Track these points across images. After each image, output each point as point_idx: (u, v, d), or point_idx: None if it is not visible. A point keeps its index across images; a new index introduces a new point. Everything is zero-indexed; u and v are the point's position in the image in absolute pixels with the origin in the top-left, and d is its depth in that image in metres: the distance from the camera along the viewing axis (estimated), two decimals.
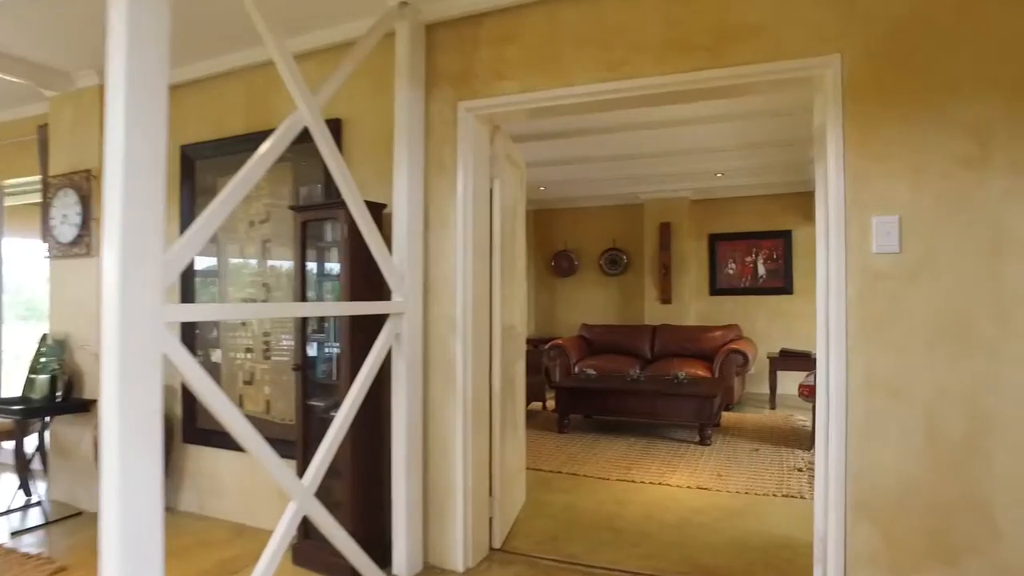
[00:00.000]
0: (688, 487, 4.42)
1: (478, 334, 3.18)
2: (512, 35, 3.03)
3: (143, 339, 1.76)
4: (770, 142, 5.89)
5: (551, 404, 6.97)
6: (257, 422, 3.68)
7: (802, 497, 4.18)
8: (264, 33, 2.37)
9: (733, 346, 7.25)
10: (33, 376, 3.96)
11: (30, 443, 4.08)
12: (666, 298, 8.70)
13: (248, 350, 3.71)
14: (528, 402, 6.82)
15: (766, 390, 7.74)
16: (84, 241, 3.96)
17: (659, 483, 4.51)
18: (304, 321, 3.19)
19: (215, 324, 3.79)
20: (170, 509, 3.91)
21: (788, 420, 6.62)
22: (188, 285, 3.89)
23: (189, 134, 3.91)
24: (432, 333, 3.14)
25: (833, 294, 2.49)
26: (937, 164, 2.34)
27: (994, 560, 2.23)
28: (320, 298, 3.29)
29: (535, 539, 3.52)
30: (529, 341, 9.22)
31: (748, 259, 8.68)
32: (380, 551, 2.99)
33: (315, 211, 3.16)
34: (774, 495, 4.24)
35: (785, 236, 8.50)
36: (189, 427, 3.88)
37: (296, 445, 3.16)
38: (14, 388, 4.27)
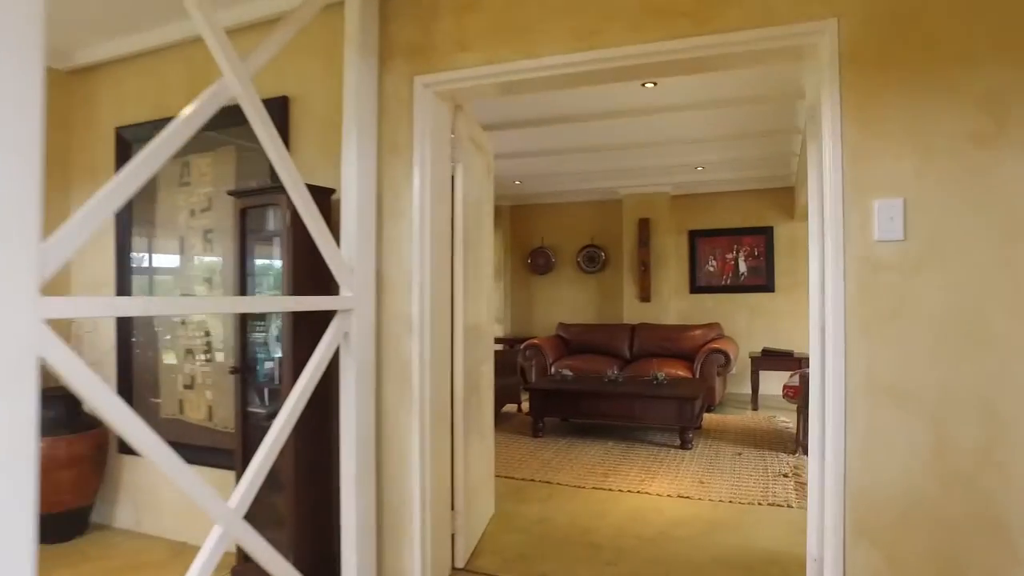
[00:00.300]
0: (668, 495, 4.16)
1: (437, 334, 2.89)
2: (475, 2, 2.74)
3: (9, 339, 1.44)
4: (751, 133, 5.64)
5: (527, 406, 6.68)
6: (198, 430, 3.38)
7: (788, 506, 3.93)
8: None
9: (714, 345, 7.02)
10: None
11: None
12: (645, 296, 8.46)
13: (189, 351, 3.38)
14: (502, 405, 6.55)
15: (748, 390, 7.52)
16: None
17: (638, 491, 4.24)
18: (244, 319, 2.88)
19: (151, 322, 3.46)
20: (104, 527, 3.57)
21: (771, 422, 6.39)
22: (132, 283, 3.56)
23: (126, 115, 3.58)
24: (386, 332, 2.84)
25: (830, 288, 2.22)
26: (946, 141, 2.08)
27: None
28: (262, 293, 2.98)
29: (503, 557, 3.23)
30: (505, 341, 8.97)
31: (729, 256, 8.46)
32: (329, 574, 2.69)
33: (255, 196, 2.84)
34: (759, 503, 3.99)
35: (766, 232, 8.30)
36: None
37: (235, 457, 2.85)
38: None
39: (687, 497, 4.12)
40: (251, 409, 2.84)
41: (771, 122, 5.31)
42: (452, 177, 3.12)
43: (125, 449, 3.55)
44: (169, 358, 3.43)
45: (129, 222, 3.51)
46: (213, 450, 3.23)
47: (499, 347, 8.80)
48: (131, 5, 3.12)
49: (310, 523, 2.76)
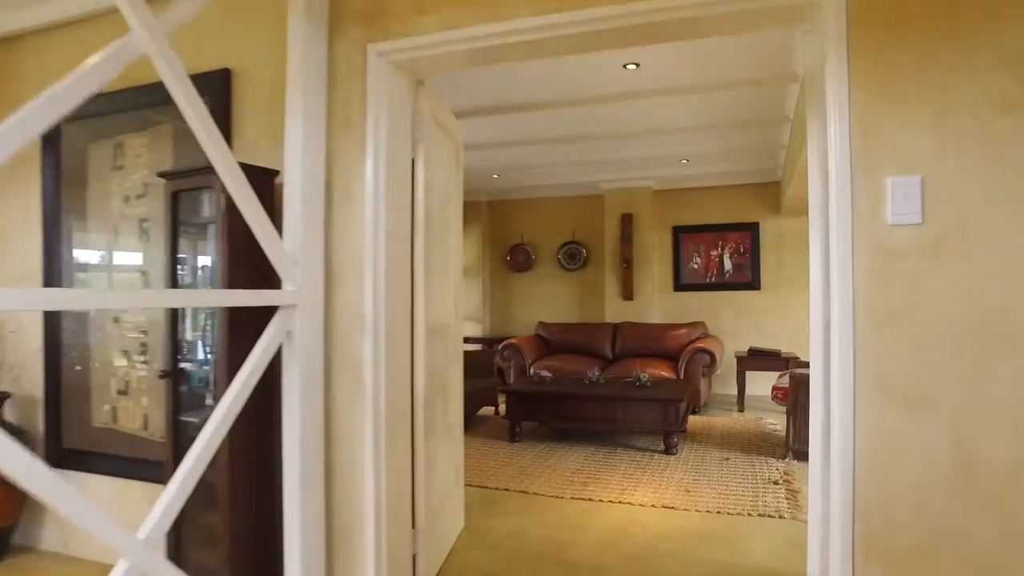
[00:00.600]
0: (652, 506, 3.87)
1: (395, 332, 2.58)
2: None
3: None
4: (738, 121, 5.38)
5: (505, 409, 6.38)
6: (132, 440, 3.05)
7: (781, 516, 3.66)
8: None
9: (699, 345, 6.76)
10: None
11: None
12: (628, 294, 8.19)
13: (124, 352, 3.05)
14: (478, 408, 6.26)
15: (734, 391, 7.28)
16: None
17: (620, 501, 3.96)
18: (174, 317, 2.55)
19: (83, 320, 3.13)
20: (29, 549, 3.23)
21: (759, 424, 6.13)
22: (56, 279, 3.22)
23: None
24: (336, 331, 2.53)
25: (836, 279, 1.94)
26: (970, 110, 1.81)
27: None
28: (197, 287, 2.66)
29: None
30: (483, 341, 8.67)
31: (714, 253, 8.22)
32: None
33: (188, 177, 2.51)
34: (749, 514, 3.72)
35: (752, 229, 8.06)
36: (53, 447, 3.18)
37: (165, 471, 2.52)
38: None
39: (672, 508, 3.84)
40: (184, 418, 2.52)
41: (759, 109, 5.05)
42: (413, 160, 2.82)
43: (54, 461, 3.20)
44: (102, 361, 3.09)
45: (57, 211, 3.16)
46: (147, 463, 2.90)
47: (477, 347, 8.52)
48: None
49: (249, 545, 2.44)
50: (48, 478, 1.48)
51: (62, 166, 3.19)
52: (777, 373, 6.76)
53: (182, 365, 2.57)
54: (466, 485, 4.21)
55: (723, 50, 3.84)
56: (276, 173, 2.53)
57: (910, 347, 1.83)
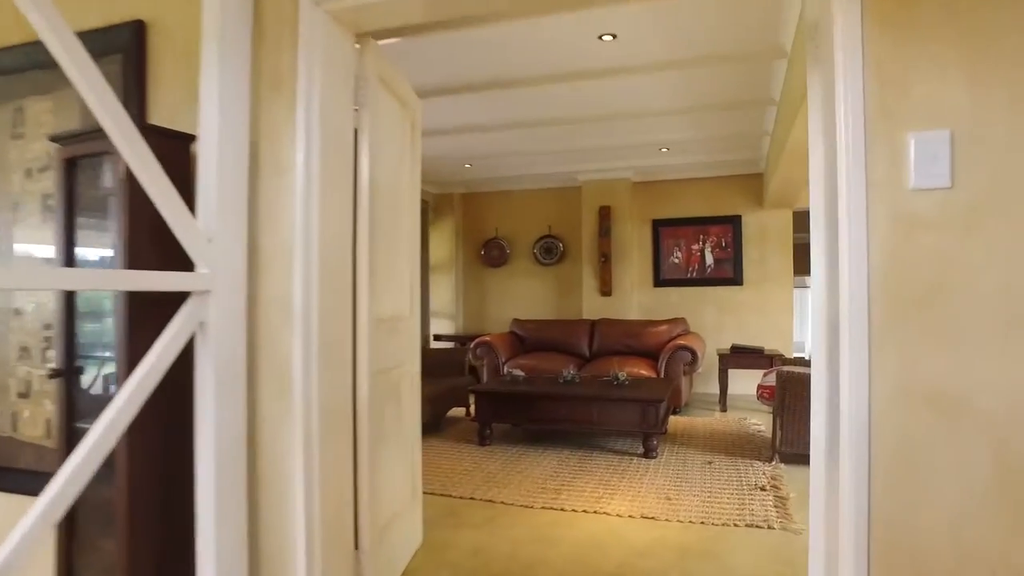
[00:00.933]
0: (630, 516, 3.55)
1: (331, 326, 2.22)
2: None
3: None
4: (720, 104, 5.07)
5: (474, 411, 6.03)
6: (35, 451, 2.66)
7: (769, 527, 3.35)
8: None
9: (680, 342, 6.45)
10: None
11: None
12: (606, 290, 7.88)
13: (24, 350, 2.66)
14: (447, 409, 5.91)
15: (716, 390, 6.98)
16: None
17: (595, 511, 3.63)
18: (69, 307, 2.17)
19: None
20: None
21: (742, 425, 5.84)
22: None
23: None
24: (262, 323, 2.17)
25: (847, 259, 1.62)
26: (1013, 49, 1.49)
27: None
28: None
29: None
30: (457, 338, 8.33)
31: (695, 247, 7.93)
32: None
33: (87, 142, 2.13)
34: (735, 524, 3.40)
35: (734, 222, 7.79)
36: None
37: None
38: None
39: (652, 518, 3.51)
40: (80, 424, 2.14)
41: (742, 90, 4.74)
42: (356, 131, 2.47)
43: None
44: (0, 359, 2.70)
45: None
46: (49, 476, 2.51)
47: (450, 345, 8.17)
48: None
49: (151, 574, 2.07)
50: None
51: None
52: (761, 371, 6.48)
53: (81, 363, 2.19)
54: (428, 494, 3.87)
55: (705, 18, 3.52)
56: (192, 138, 2.16)
57: (939, 339, 1.51)
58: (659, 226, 8.03)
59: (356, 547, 2.41)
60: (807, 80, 2.00)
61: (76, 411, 2.16)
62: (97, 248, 2.30)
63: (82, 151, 2.14)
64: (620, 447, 5.05)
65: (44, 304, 2.59)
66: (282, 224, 2.16)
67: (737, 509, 3.62)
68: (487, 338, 7.10)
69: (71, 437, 2.13)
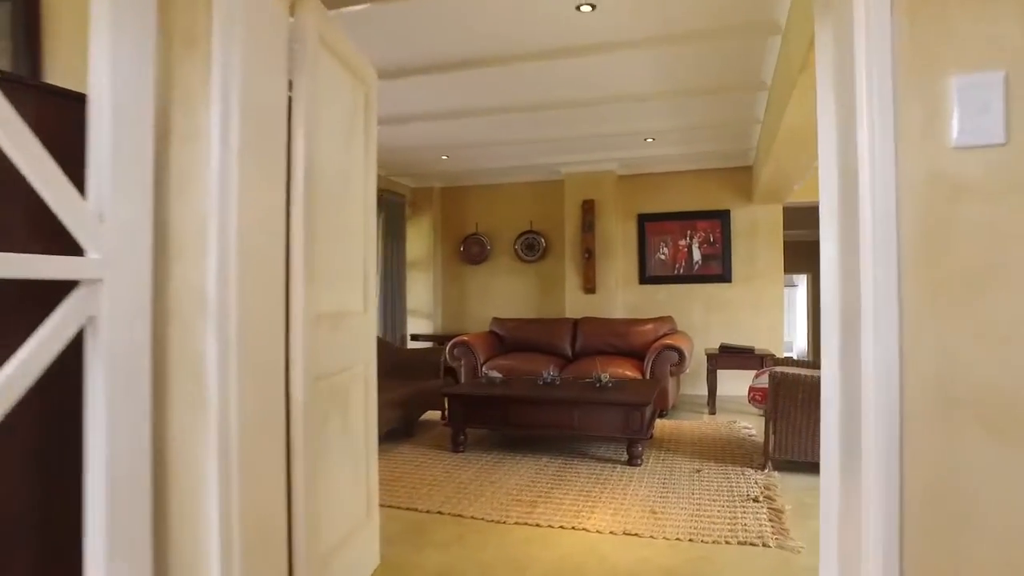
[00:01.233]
0: (612, 533, 3.23)
1: (255, 321, 1.88)
2: None
3: None
4: (708, 88, 4.76)
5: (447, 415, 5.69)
6: None
7: (764, 544, 3.04)
8: None
9: (667, 341, 6.15)
10: None
11: None
12: (590, 287, 7.57)
13: None
14: (421, 412, 5.58)
15: (704, 392, 6.69)
16: None
17: (573, 527, 3.30)
18: None
19: None
20: None
21: (732, 429, 5.53)
22: None
23: None
24: (174, 318, 1.82)
25: (869, 235, 1.31)
26: None
27: None
28: None
29: None
30: (435, 338, 8.00)
31: (682, 243, 7.63)
32: None
33: None
34: (727, 541, 3.09)
35: (722, 216, 7.50)
36: None
37: None
38: None
39: (636, 535, 3.19)
40: None
41: (732, 71, 4.44)
42: (292, 99, 2.13)
43: None
44: None
45: None
46: None
47: (428, 345, 7.84)
48: None
49: None
50: None
51: None
52: (750, 372, 6.19)
53: None
54: (391, 508, 3.54)
55: None
56: (83, 98, 1.81)
57: (991, 335, 1.20)
58: (645, 221, 7.73)
59: (290, 574, 2.07)
60: (814, 31, 1.68)
61: None
62: None
63: None
64: (603, 453, 4.73)
65: None
66: (196, 202, 1.82)
67: (729, 524, 3.31)
68: (465, 338, 6.77)
69: None
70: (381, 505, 3.60)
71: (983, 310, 1.20)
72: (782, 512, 3.45)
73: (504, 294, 8.29)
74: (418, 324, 8.41)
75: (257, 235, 1.90)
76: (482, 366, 6.51)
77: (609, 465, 4.43)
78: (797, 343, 15.44)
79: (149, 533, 1.75)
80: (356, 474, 2.65)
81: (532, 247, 8.13)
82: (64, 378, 1.61)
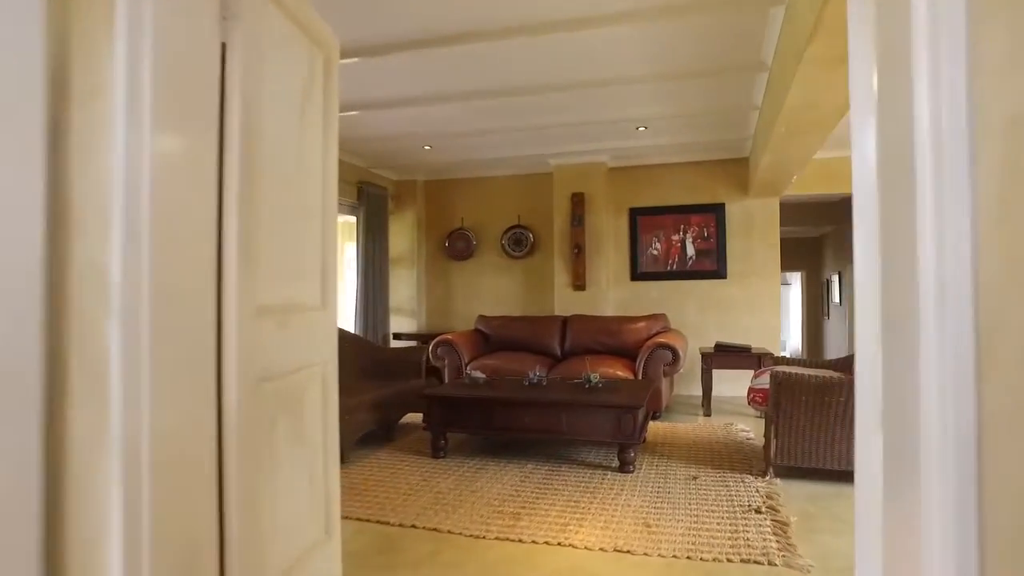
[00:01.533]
0: (602, 549, 2.93)
1: (178, 312, 1.57)
2: None
3: None
4: (704, 71, 4.47)
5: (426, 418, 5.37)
6: None
7: (770, 563, 2.76)
8: None
9: (660, 340, 5.85)
10: None
11: None
12: (580, 284, 7.27)
13: None
14: (401, 415, 5.27)
15: (698, 392, 6.42)
16: None
17: (559, 543, 3.00)
18: None
19: None
20: None
21: (729, 432, 5.25)
22: None
23: None
24: (73, 306, 1.50)
25: (930, 193, 1.01)
26: None
27: None
28: None
29: None
30: (419, 337, 7.69)
31: (675, 238, 7.35)
32: None
33: None
34: (729, 559, 2.80)
35: (717, 210, 7.22)
36: None
37: None
38: None
39: (629, 552, 2.90)
40: None
41: (730, 50, 4.14)
42: (224, 55, 1.82)
43: None
44: None
45: None
46: None
47: (412, 344, 7.53)
48: None
49: None
50: None
51: None
52: (747, 372, 5.93)
53: None
54: (362, 520, 3.24)
55: None
56: None
57: None
58: (637, 215, 7.45)
59: None
60: None
61: None
62: None
63: None
64: (592, 459, 4.44)
65: None
66: (102, 170, 1.51)
67: (729, 538, 3.02)
68: (449, 336, 6.46)
69: None
70: (349, 518, 3.30)
71: None
72: (787, 524, 3.16)
73: (491, 291, 7.98)
74: (401, 322, 8.10)
75: (178, 211, 1.58)
76: (466, 366, 6.21)
77: (599, 472, 4.14)
78: (791, 342, 15.23)
79: (37, 564, 1.44)
80: (313, 487, 2.34)
81: (520, 242, 7.82)
82: None
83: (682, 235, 7.32)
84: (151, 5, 1.51)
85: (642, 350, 5.84)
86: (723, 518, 3.29)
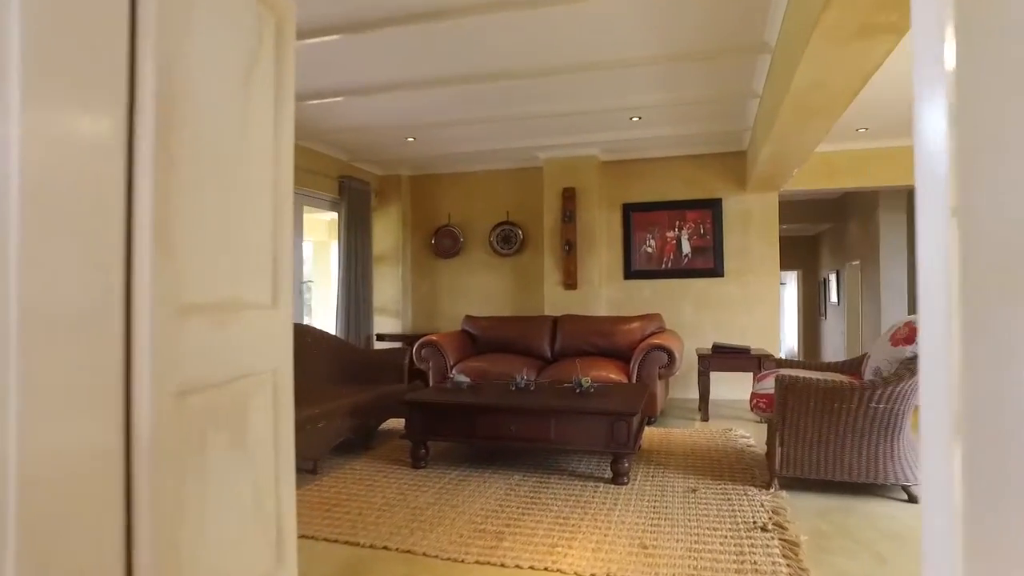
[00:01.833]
0: (594, 575, 2.63)
1: (65, 307, 1.27)
2: None
3: None
4: (698, 52, 4.18)
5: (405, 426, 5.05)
6: None
7: None
8: None
9: (655, 341, 5.56)
10: None
11: None
12: (571, 283, 6.98)
13: None
14: (381, 421, 4.96)
15: (694, 395, 6.15)
16: None
17: (546, 567, 2.70)
18: None
19: None
20: None
21: (728, 438, 4.97)
22: None
23: None
24: None
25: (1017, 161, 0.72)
26: None
27: None
28: None
29: None
30: (404, 338, 7.38)
31: (670, 234, 7.07)
32: None
33: None
34: None
35: (714, 206, 6.95)
36: None
37: None
38: None
39: None
40: None
41: (731, 28, 3.86)
42: (134, 6, 1.51)
43: None
44: None
45: None
46: None
47: (396, 345, 7.22)
48: None
49: None
50: None
51: None
52: (747, 374, 5.66)
53: None
54: (328, 541, 2.94)
55: None
56: None
57: None
58: (630, 211, 7.16)
59: None
60: None
61: None
62: None
63: None
64: (584, 469, 4.14)
65: None
66: None
67: (735, 561, 2.73)
68: (433, 337, 6.16)
69: None
70: (314, 538, 3.00)
71: None
72: (797, 545, 2.87)
73: (478, 290, 7.69)
74: (385, 323, 7.79)
75: (66, 180, 1.28)
76: (452, 368, 5.90)
77: (591, 484, 3.84)
78: (785, 343, 14.99)
79: None
80: (260, 510, 2.03)
81: (509, 239, 7.53)
82: None
83: (677, 232, 7.04)
84: None
85: (636, 352, 5.55)
86: (726, 537, 3.00)
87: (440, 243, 7.74)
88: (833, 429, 3.48)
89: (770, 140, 4.65)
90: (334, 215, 7.21)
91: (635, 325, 6.14)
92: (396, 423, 5.40)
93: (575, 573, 2.65)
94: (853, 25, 2.64)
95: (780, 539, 2.95)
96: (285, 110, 2.24)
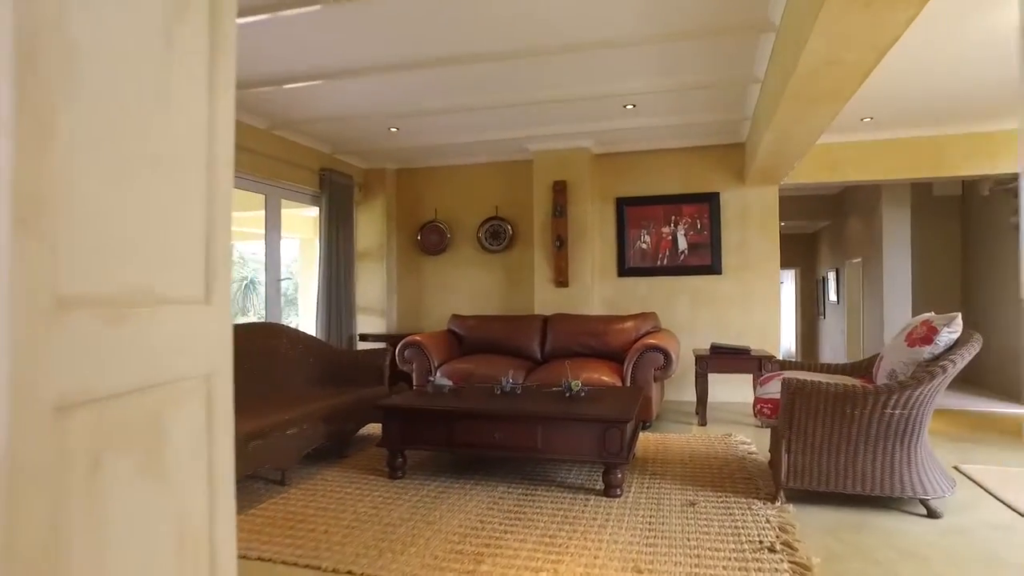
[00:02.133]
0: None
1: None
2: None
3: None
4: (696, 30, 3.87)
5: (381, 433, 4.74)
6: None
7: None
8: None
9: (650, 341, 5.26)
10: None
11: None
12: (562, 280, 6.68)
13: None
14: (359, 427, 4.66)
15: (691, 398, 5.87)
16: None
17: None
18: None
19: None
20: None
21: (728, 444, 4.67)
22: None
23: None
24: None
25: None
26: None
27: None
28: None
29: None
30: (389, 338, 7.07)
31: (665, 230, 6.78)
32: None
33: None
34: None
35: (711, 200, 6.66)
36: None
37: None
38: None
39: None
40: None
41: (733, 3, 3.56)
42: None
43: None
44: None
45: None
46: None
47: (380, 346, 6.90)
48: None
49: None
50: None
51: None
52: (745, 376, 5.37)
53: None
54: (287, 564, 2.64)
55: None
56: None
57: None
58: (624, 205, 6.87)
59: None
60: None
61: None
62: None
63: None
64: (573, 480, 3.84)
65: None
66: None
67: None
68: (417, 338, 5.85)
69: None
70: (272, 561, 2.69)
71: None
72: (809, 568, 2.57)
73: (466, 288, 7.38)
74: (369, 322, 7.47)
75: None
76: (436, 370, 5.60)
77: (581, 496, 3.54)
78: (783, 343, 14.73)
79: None
80: (186, 545, 1.72)
81: (497, 235, 7.22)
82: None
83: (673, 227, 6.75)
84: None
85: (630, 353, 5.25)
86: (730, 559, 2.70)
87: (426, 239, 7.44)
88: (845, 436, 3.18)
89: (772, 128, 4.36)
90: (315, 209, 6.90)
91: (629, 324, 5.85)
92: (375, 428, 5.10)
93: None
94: None
95: (789, 561, 2.65)
96: (223, 66, 1.90)
